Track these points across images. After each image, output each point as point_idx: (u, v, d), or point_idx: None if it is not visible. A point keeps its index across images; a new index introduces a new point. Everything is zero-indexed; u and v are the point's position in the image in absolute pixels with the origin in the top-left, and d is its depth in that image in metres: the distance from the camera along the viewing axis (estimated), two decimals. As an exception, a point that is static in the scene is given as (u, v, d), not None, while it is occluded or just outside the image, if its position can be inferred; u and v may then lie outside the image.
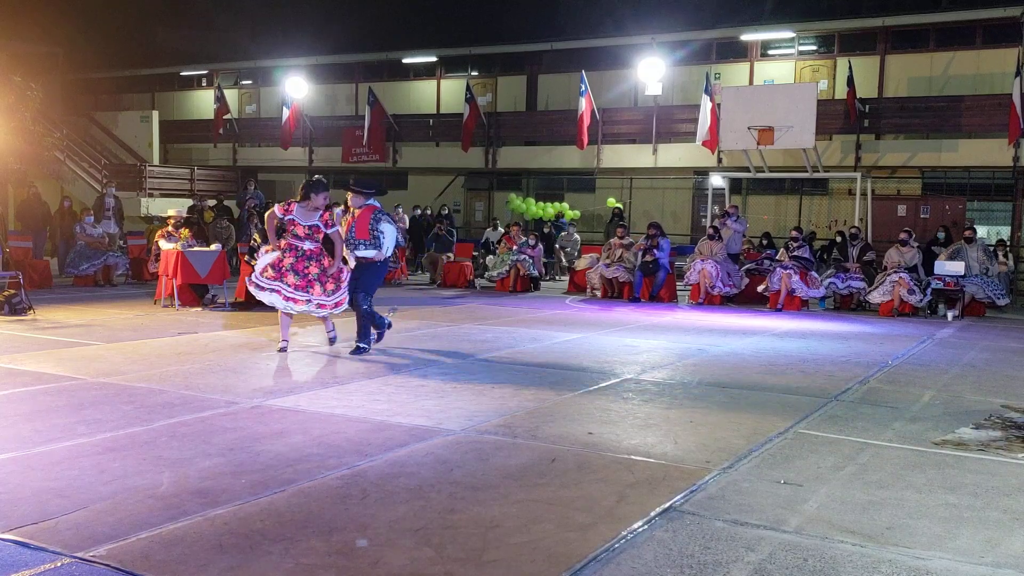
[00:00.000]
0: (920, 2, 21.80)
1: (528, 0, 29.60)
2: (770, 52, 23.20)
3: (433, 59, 27.38)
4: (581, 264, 17.18)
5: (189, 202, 20.78)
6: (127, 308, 12.08)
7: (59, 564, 3.44)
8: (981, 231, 18.51)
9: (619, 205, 22.27)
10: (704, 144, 20.88)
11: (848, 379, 7.95)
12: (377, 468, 4.78)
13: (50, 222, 18.25)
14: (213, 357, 8.21)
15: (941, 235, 16.29)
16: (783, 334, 11.23)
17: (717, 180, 20.90)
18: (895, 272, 13.92)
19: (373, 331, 8.91)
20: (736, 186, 22.39)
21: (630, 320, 12.34)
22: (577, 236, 21.74)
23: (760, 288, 14.72)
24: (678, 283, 15.91)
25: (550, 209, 23.39)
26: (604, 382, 7.51)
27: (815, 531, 4.01)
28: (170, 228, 12.93)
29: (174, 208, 14.60)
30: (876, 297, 14.01)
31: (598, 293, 15.89)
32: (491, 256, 18.02)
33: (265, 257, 8.35)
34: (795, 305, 14.23)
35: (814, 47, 22.98)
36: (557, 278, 20.03)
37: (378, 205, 8.64)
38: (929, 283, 14.01)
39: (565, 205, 23.69)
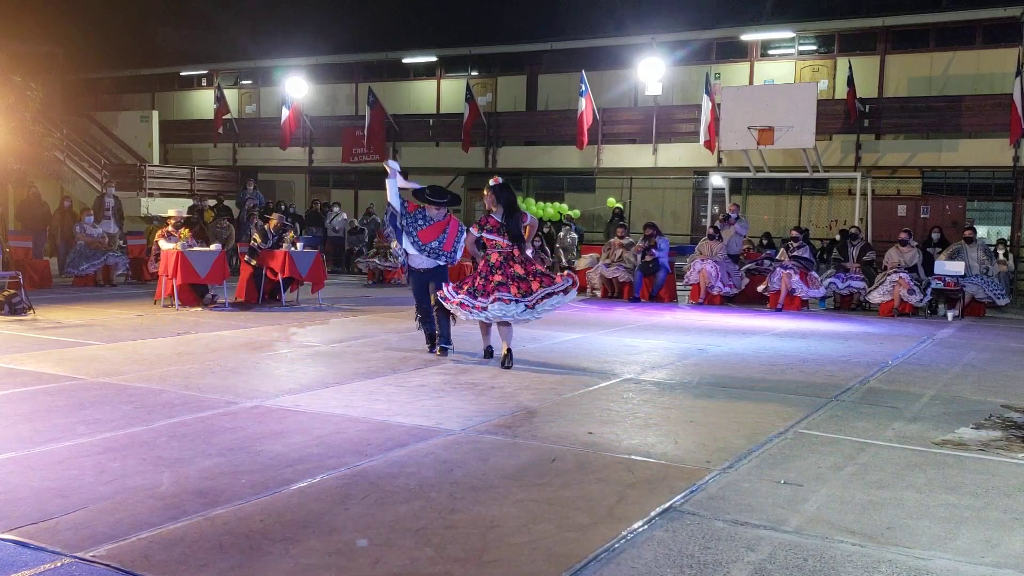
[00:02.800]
0: (920, 2, 21.78)
1: (528, 0, 29.59)
2: (770, 52, 23.19)
3: (433, 59, 27.36)
4: (581, 264, 17.17)
5: (189, 202, 20.77)
6: (127, 308, 12.08)
7: (59, 564, 3.44)
8: (981, 231, 18.50)
9: (619, 205, 22.24)
10: (704, 144, 20.89)
11: (848, 379, 7.95)
12: (377, 468, 4.78)
13: (50, 222, 18.25)
14: (213, 357, 8.21)
15: (936, 235, 16.26)
16: (783, 334, 11.23)
17: (717, 180, 20.90)
18: (895, 272, 13.92)
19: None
20: (736, 186, 22.37)
21: (630, 320, 12.33)
22: (574, 235, 21.73)
23: (760, 288, 14.72)
24: (678, 283, 15.91)
25: (550, 209, 23.38)
26: (604, 382, 7.51)
27: (815, 531, 4.01)
28: (170, 228, 12.93)
29: (174, 208, 14.60)
30: (876, 297, 14.01)
31: (598, 293, 15.89)
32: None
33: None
34: (795, 305, 14.23)
35: (814, 47, 22.96)
36: (557, 278, 19.98)
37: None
38: (929, 283, 14.01)
39: (563, 206, 23.66)
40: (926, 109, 20.17)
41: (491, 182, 8.33)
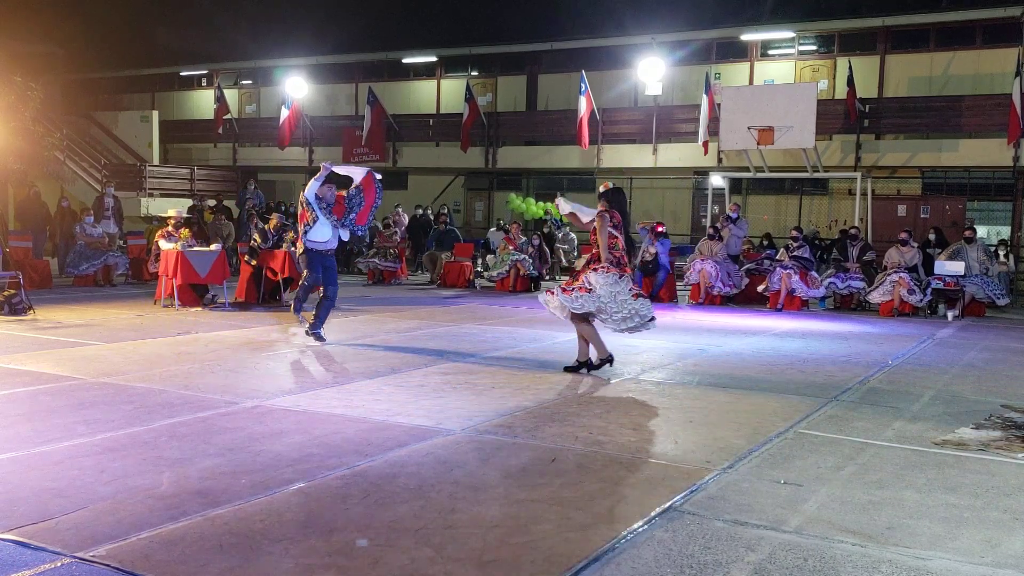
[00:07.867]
0: (920, 2, 21.79)
1: (528, 0, 29.58)
2: (770, 52, 23.19)
3: (433, 59, 27.37)
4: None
5: (189, 202, 20.78)
6: (127, 308, 12.08)
7: (59, 564, 3.44)
8: (981, 231, 18.50)
9: (619, 205, 22.20)
10: (702, 145, 20.89)
11: (848, 379, 7.95)
12: (377, 468, 4.78)
13: (50, 222, 18.25)
14: (213, 357, 8.21)
15: (932, 236, 16.25)
16: (783, 334, 11.23)
17: (717, 180, 20.90)
18: (895, 272, 13.91)
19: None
20: (736, 186, 22.37)
21: (630, 320, 12.30)
22: (573, 235, 21.74)
23: (760, 288, 14.71)
24: (678, 283, 15.90)
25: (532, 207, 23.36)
26: (604, 382, 7.50)
27: (815, 531, 4.01)
28: (170, 228, 12.93)
29: (174, 208, 14.60)
30: (876, 297, 14.01)
31: (598, 293, 15.84)
32: (491, 256, 18.02)
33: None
34: (795, 305, 14.22)
35: (814, 47, 22.97)
36: (557, 278, 20.03)
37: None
38: (929, 283, 14.01)
39: (552, 205, 23.61)
40: (926, 109, 20.17)
41: (601, 188, 8.10)
